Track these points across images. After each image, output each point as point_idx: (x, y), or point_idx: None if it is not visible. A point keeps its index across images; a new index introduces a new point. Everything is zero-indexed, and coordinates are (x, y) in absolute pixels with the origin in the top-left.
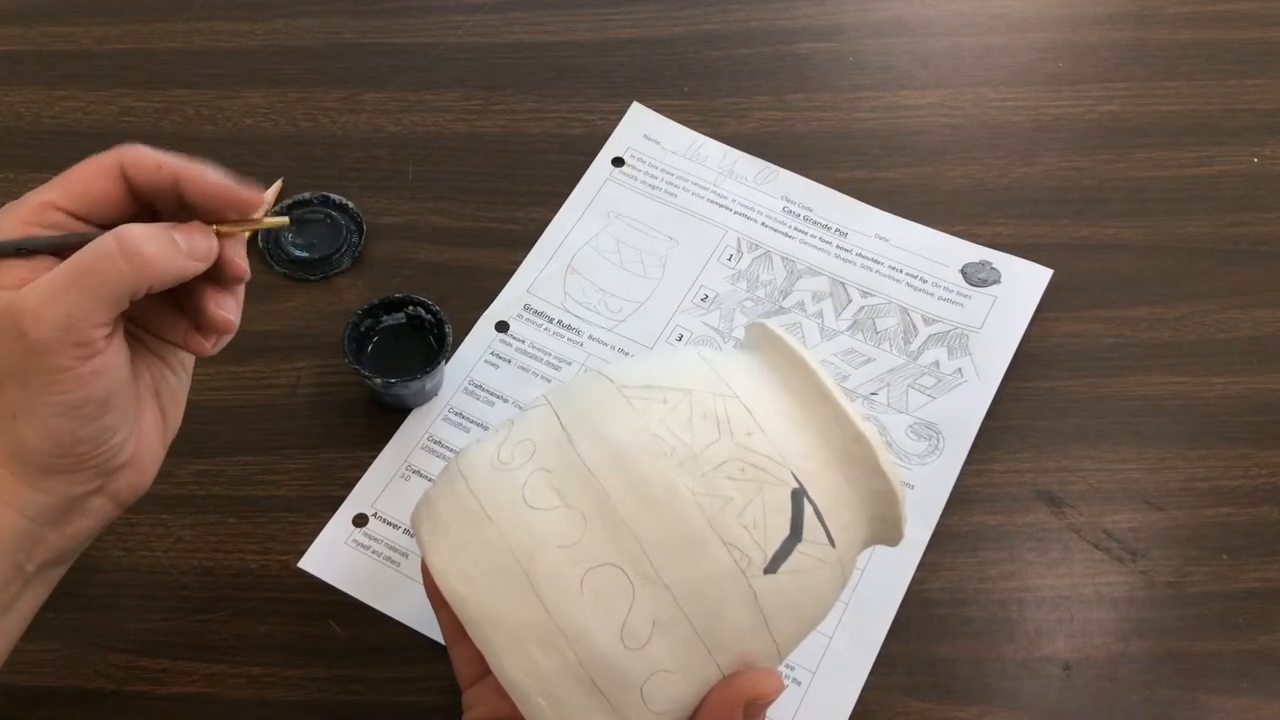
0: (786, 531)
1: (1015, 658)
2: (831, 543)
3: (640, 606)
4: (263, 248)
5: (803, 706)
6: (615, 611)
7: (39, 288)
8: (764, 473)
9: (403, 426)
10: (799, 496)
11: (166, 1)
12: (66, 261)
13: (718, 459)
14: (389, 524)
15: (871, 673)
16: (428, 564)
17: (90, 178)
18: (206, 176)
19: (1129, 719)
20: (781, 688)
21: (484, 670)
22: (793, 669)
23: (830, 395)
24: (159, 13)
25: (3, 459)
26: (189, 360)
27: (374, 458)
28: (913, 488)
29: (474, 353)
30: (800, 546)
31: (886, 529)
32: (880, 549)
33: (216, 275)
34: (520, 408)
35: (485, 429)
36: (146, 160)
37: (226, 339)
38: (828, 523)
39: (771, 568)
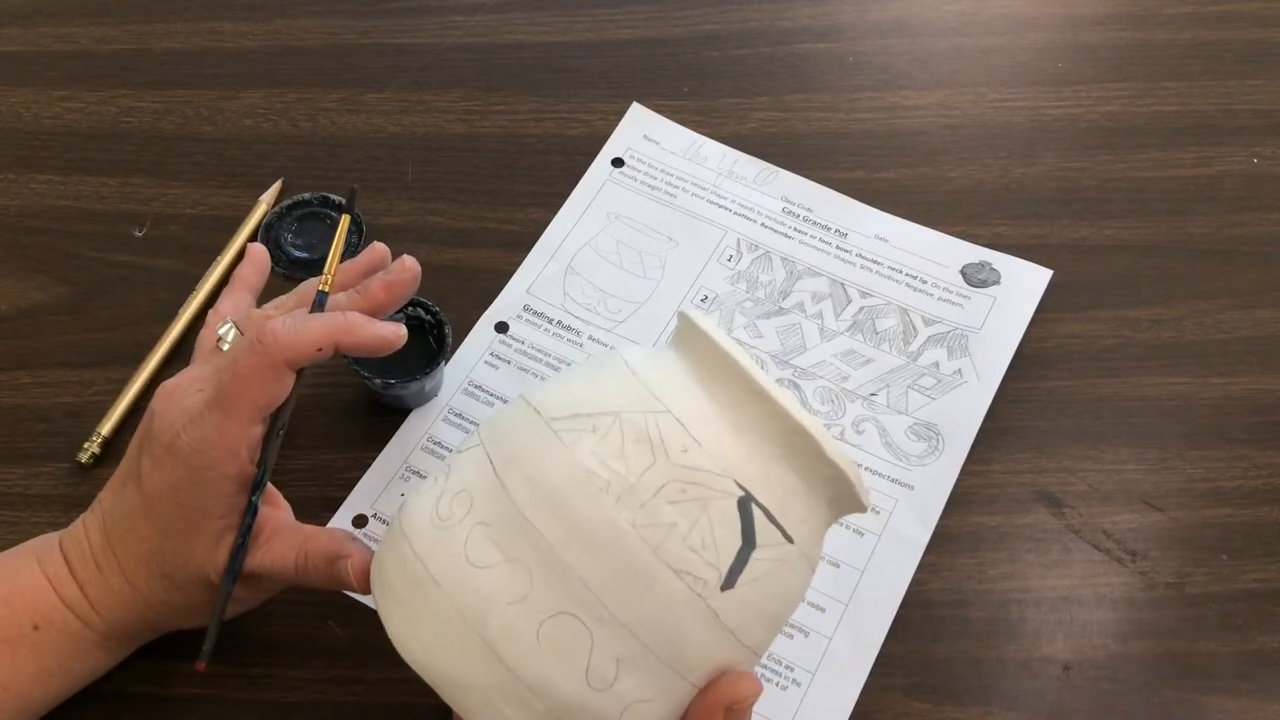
0: (738, 543)
1: (1015, 658)
2: (789, 539)
3: (601, 648)
4: None
5: (803, 706)
6: (576, 658)
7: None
8: (706, 489)
9: (402, 427)
10: (746, 504)
11: (166, 1)
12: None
13: (656, 484)
14: (388, 525)
15: (871, 673)
16: (386, 631)
17: (272, 391)
18: (359, 334)
19: (1129, 719)
20: (759, 688)
21: None
22: (792, 669)
23: (763, 392)
24: (159, 13)
25: (157, 623)
26: None
27: (374, 458)
28: (912, 488)
29: (474, 353)
30: (755, 554)
31: (848, 504)
32: (881, 552)
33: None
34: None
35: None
36: (307, 352)
37: None
38: (781, 521)
39: (728, 583)
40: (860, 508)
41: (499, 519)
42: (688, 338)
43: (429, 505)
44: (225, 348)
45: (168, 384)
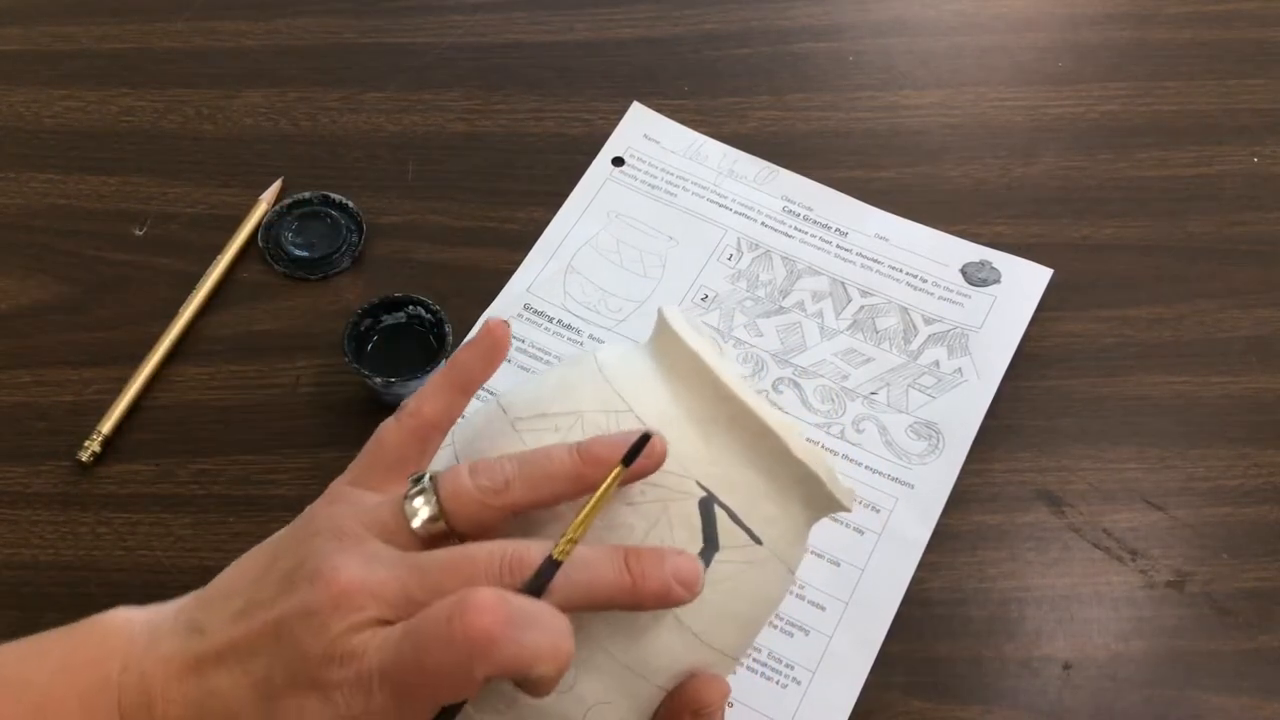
0: (699, 545)
1: (1015, 657)
2: (757, 540)
3: None
4: (263, 247)
5: (802, 706)
6: None
7: None
8: (666, 490)
9: None
10: (708, 505)
11: (166, 1)
12: None
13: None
14: None
15: (871, 673)
16: None
17: (461, 691)
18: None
19: (1129, 719)
20: (726, 691)
21: None
22: (792, 668)
23: (729, 392)
24: (159, 12)
25: None
26: None
27: None
28: (913, 487)
29: None
30: (719, 555)
31: (825, 504)
32: (881, 551)
33: None
34: None
35: None
36: (521, 668)
37: None
38: (747, 522)
39: None
40: (840, 507)
41: None
42: (661, 336)
43: None
44: (415, 524)
45: (333, 571)
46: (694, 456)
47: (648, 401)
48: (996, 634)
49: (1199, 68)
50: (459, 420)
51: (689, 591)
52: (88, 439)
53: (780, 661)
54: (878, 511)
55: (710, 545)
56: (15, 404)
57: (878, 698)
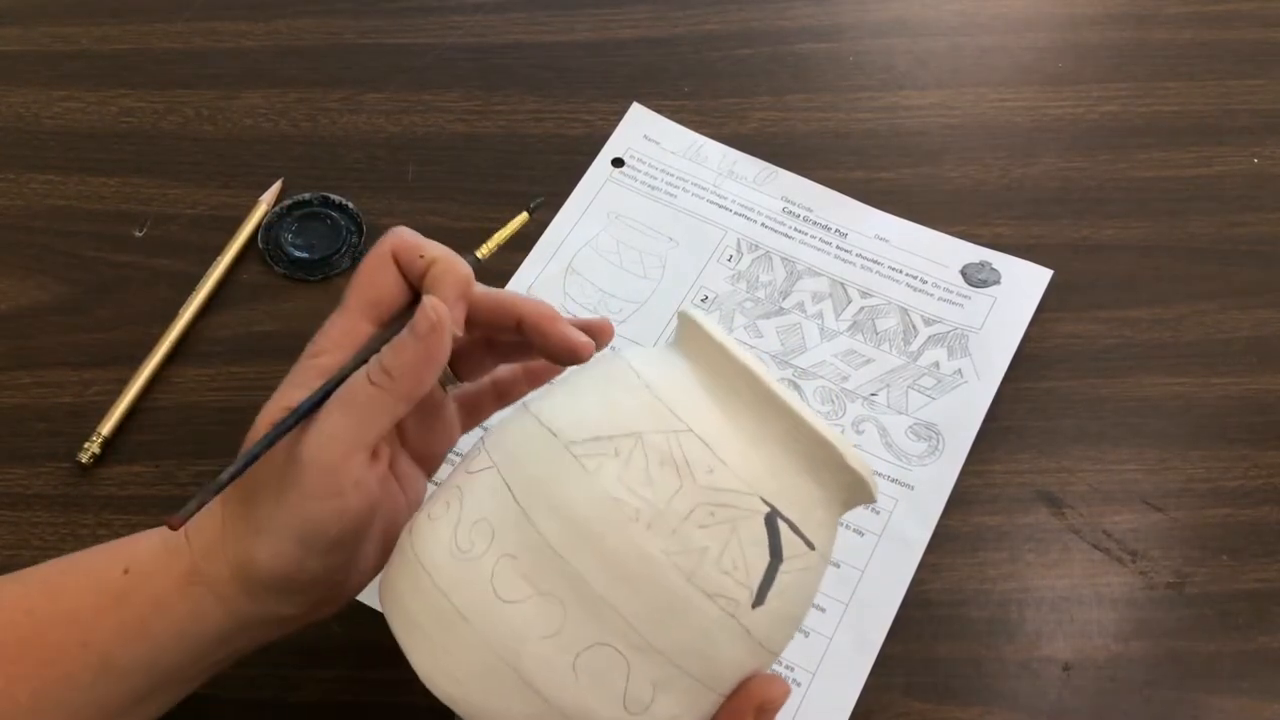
0: (767, 559)
1: (1015, 658)
2: (811, 547)
3: (637, 675)
4: (263, 248)
5: (803, 706)
6: (614, 686)
7: (319, 422)
8: (734, 509)
9: None
10: (772, 520)
11: (166, 1)
12: (331, 400)
13: (684, 509)
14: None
15: (871, 673)
16: (410, 664)
17: (378, 282)
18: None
19: (1129, 719)
20: (788, 690)
21: None
22: (792, 669)
23: (785, 407)
24: (159, 13)
25: (233, 568)
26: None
27: None
28: (913, 488)
29: None
30: (783, 566)
31: (859, 499)
32: (882, 552)
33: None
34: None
35: (486, 429)
36: (408, 249)
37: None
38: (804, 531)
39: (759, 600)
40: (872, 500)
41: (526, 551)
42: (694, 344)
43: (446, 535)
44: None
45: None
46: (754, 471)
47: (702, 417)
48: (996, 635)
49: (1199, 68)
50: (492, 437)
51: (586, 355)
52: (88, 440)
53: (781, 663)
54: (878, 513)
55: (775, 559)
56: (15, 405)
57: (878, 699)
